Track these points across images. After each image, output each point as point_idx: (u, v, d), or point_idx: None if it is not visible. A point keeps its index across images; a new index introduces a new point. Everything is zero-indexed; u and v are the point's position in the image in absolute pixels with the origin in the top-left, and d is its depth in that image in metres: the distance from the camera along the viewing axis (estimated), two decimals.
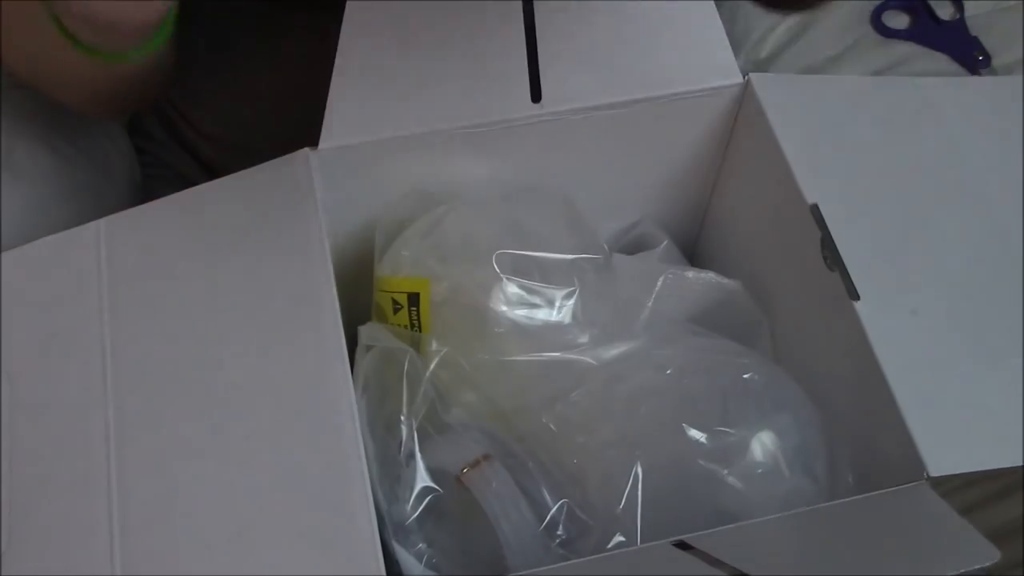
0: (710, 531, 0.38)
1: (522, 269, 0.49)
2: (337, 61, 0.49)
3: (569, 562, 0.41)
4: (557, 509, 0.44)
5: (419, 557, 0.45)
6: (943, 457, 0.40)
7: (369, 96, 0.50)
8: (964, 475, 0.60)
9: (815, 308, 0.49)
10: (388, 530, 0.45)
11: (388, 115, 0.50)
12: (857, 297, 0.45)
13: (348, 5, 0.49)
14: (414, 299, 0.49)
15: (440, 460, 0.46)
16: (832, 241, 0.47)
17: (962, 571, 0.36)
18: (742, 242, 0.59)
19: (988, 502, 0.60)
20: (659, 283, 0.55)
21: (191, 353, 0.45)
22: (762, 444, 0.45)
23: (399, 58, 0.50)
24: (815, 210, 0.48)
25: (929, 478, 0.40)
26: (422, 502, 0.45)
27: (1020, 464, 0.41)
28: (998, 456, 0.41)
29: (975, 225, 0.49)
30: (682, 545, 0.38)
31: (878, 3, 0.81)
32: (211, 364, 0.44)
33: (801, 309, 0.52)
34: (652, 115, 0.54)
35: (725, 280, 0.56)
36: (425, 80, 0.50)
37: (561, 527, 0.44)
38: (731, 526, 0.39)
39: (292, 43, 0.64)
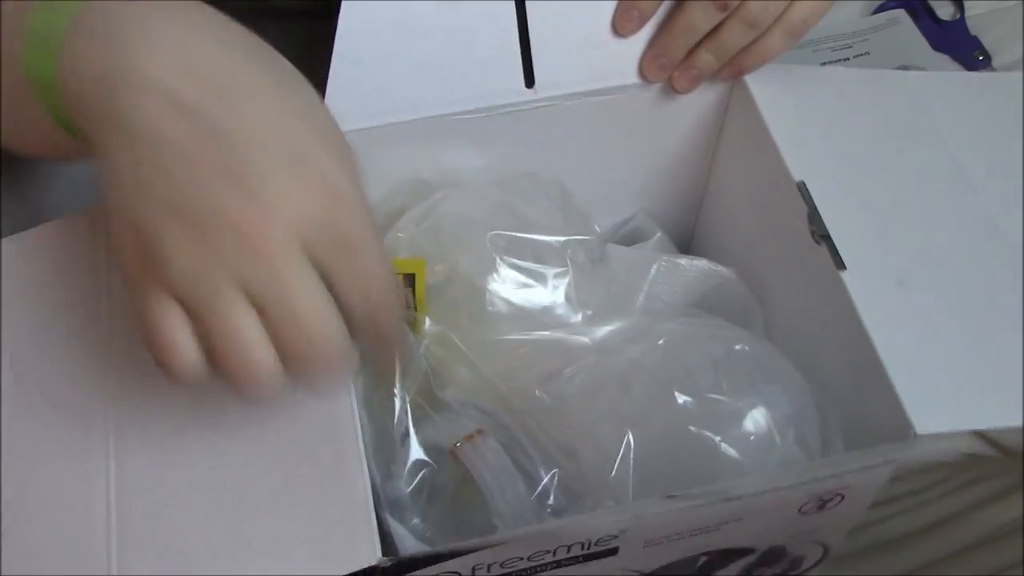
0: (701, 488, 0.39)
1: (516, 250, 0.50)
2: (335, 49, 0.50)
3: (562, 519, 0.41)
4: (548, 479, 0.45)
5: (414, 532, 0.45)
6: (930, 417, 0.41)
7: (365, 84, 0.51)
8: (967, 473, 0.60)
9: (805, 284, 0.50)
10: (383, 506, 0.45)
11: (384, 102, 0.51)
12: (843, 266, 0.46)
13: None
14: (410, 280, 0.50)
15: (434, 435, 0.46)
16: (819, 215, 0.47)
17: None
18: (735, 231, 0.60)
19: (988, 502, 0.60)
20: (653, 270, 0.56)
21: None
22: (753, 413, 0.45)
23: (395, 46, 0.50)
24: (802, 187, 0.48)
25: (916, 435, 0.40)
26: (416, 477, 0.46)
27: (1004, 425, 0.41)
28: (983, 417, 0.41)
29: (958, 204, 0.49)
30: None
31: (878, 3, 0.82)
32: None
33: (792, 288, 0.53)
34: (645, 102, 0.55)
35: (718, 267, 0.57)
36: (420, 67, 0.51)
37: (552, 496, 0.45)
38: (722, 483, 0.40)
39: (275, 32, 0.65)
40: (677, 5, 0.51)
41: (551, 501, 0.45)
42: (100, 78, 0.35)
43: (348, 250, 0.35)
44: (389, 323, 0.37)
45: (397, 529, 0.45)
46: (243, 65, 0.36)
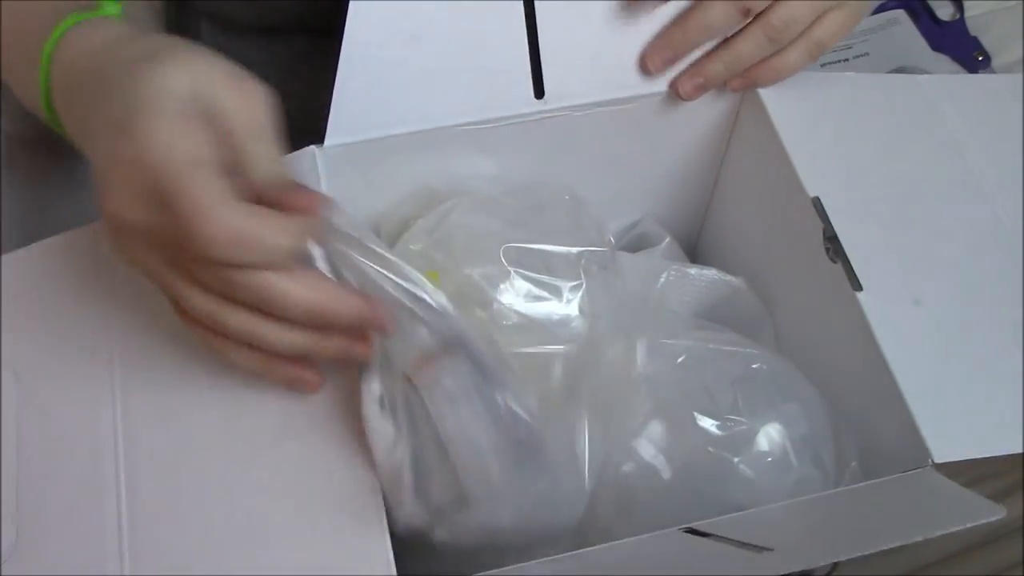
0: (720, 518, 0.38)
1: (528, 263, 0.50)
2: (342, 58, 0.49)
3: (579, 551, 0.41)
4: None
5: None
6: (947, 443, 0.41)
7: (374, 93, 0.50)
8: (967, 475, 0.61)
9: (818, 301, 0.50)
10: None
11: (393, 112, 0.50)
12: (860, 287, 0.45)
13: (352, 4, 0.49)
14: None
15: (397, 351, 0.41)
16: (834, 233, 0.47)
17: (967, 525, 0.36)
18: (744, 239, 0.60)
19: None
20: (662, 279, 0.56)
21: (196, 348, 0.45)
22: (771, 434, 0.45)
23: (403, 56, 0.50)
24: (817, 203, 0.48)
25: (934, 464, 0.40)
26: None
27: (1021, 451, 0.41)
28: (1001, 443, 0.41)
29: (974, 217, 0.49)
30: (691, 532, 0.38)
31: (878, 3, 0.81)
32: (216, 359, 0.44)
33: (804, 302, 0.53)
34: (654, 111, 0.54)
35: (728, 276, 0.56)
36: (429, 77, 0.50)
37: (512, 417, 0.41)
38: (742, 512, 0.40)
39: (280, 43, 0.64)
40: (696, 3, 0.49)
41: (509, 419, 0.40)
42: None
43: None
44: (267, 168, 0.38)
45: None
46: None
